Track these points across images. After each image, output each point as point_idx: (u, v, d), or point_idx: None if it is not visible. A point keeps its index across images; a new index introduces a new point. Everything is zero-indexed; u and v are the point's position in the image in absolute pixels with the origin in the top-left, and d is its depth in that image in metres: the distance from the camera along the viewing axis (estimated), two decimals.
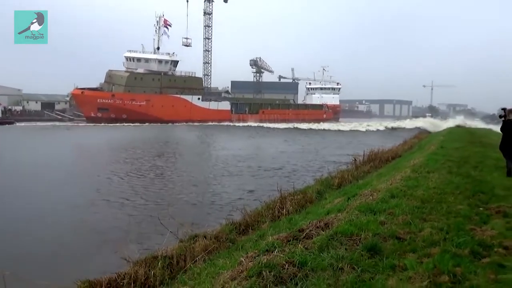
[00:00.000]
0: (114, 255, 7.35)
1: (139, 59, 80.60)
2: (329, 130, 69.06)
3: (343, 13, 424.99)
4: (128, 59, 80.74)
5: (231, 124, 79.27)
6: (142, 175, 22.00)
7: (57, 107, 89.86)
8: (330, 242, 5.07)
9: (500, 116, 10.95)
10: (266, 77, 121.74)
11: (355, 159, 18.04)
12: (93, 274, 6.36)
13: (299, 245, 5.04)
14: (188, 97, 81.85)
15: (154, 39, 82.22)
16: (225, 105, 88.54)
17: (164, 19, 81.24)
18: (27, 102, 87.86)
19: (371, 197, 7.79)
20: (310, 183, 15.58)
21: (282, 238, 5.52)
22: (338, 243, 5.08)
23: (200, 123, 74.93)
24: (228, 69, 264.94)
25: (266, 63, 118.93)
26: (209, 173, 23.21)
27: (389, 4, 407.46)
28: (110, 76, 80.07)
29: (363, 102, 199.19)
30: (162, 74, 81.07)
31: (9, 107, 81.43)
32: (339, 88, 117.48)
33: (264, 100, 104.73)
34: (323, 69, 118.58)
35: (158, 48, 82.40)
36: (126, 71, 79.76)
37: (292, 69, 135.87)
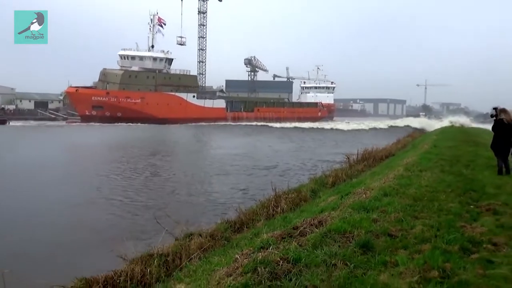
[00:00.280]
0: (111, 253, 7.41)
1: (133, 57, 79.77)
2: (329, 130, 67.92)
3: (336, 15, 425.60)
4: (123, 57, 79.94)
5: (227, 123, 79.01)
6: (138, 174, 22.00)
7: (50, 106, 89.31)
8: (324, 239, 5.16)
9: (492, 116, 11.10)
10: (261, 76, 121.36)
11: (348, 158, 18.10)
12: (90, 272, 6.41)
13: (294, 242, 5.12)
14: (183, 95, 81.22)
15: (148, 37, 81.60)
16: (220, 103, 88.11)
17: (158, 17, 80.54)
18: (20, 101, 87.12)
19: (364, 195, 7.88)
20: (305, 181, 15.65)
21: (276, 235, 5.60)
22: (331, 240, 5.17)
23: (195, 124, 74.54)
24: (223, 68, 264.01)
25: (260, 62, 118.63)
26: (204, 172, 23.25)
27: (389, 4, 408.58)
28: (105, 75, 79.29)
29: (358, 101, 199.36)
30: (157, 71, 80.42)
31: (2, 106, 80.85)
32: (334, 87, 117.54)
33: (259, 98, 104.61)
34: (318, 68, 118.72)
35: (152, 47, 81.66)
36: (121, 69, 79.08)
37: (287, 68, 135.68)
